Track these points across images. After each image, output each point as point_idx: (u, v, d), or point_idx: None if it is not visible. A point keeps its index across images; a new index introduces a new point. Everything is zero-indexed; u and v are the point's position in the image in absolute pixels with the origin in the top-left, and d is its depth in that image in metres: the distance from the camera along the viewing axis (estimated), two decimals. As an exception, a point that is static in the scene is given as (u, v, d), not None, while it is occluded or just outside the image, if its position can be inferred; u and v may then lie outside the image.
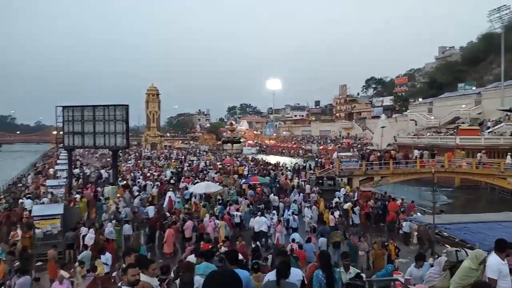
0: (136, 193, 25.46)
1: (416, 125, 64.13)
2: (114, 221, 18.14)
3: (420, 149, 38.41)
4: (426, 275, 6.86)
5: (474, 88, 64.15)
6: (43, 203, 22.21)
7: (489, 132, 40.56)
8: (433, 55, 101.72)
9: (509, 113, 44.14)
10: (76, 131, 27.73)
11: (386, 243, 14.38)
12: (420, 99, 76.97)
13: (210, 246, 12.37)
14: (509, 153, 32.11)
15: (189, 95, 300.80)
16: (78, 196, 24.61)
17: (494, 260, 5.37)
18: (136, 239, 16.83)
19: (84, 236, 15.64)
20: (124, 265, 6.18)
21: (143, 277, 5.44)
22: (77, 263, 11.57)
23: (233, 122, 43.54)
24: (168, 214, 19.62)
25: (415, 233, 16.99)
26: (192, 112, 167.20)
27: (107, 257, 12.48)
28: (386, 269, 9.37)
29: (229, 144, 36.70)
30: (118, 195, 24.53)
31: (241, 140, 41.43)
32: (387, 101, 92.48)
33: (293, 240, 13.64)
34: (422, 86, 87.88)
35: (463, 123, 51.51)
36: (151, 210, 20.50)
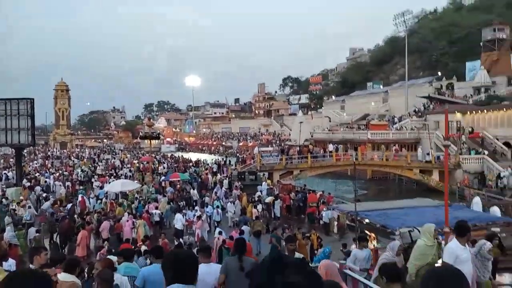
0: (40, 194, 23.42)
1: (330, 121, 67.06)
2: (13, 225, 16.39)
3: (335, 143, 40.14)
4: (379, 261, 6.53)
5: (381, 87, 68.77)
6: None
7: (400, 128, 43.44)
8: (344, 57, 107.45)
9: (412, 111, 47.95)
10: (-27, 127, 24.81)
11: (307, 234, 14.62)
12: (333, 97, 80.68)
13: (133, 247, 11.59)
14: (420, 146, 34.67)
15: (103, 92, 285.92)
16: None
17: (452, 245, 5.20)
18: (38, 243, 15.27)
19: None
20: (33, 266, 5.41)
21: (65, 276, 4.82)
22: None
23: (151, 118, 41.97)
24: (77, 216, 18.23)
25: (335, 223, 17.56)
26: (106, 109, 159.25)
27: (10, 263, 11.07)
28: (323, 252, 9.19)
29: (146, 141, 35.35)
30: (21, 197, 22.35)
31: (160, 136, 40.04)
32: (303, 99, 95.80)
33: (220, 233, 13.35)
34: (335, 85, 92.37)
35: (372, 119, 54.80)
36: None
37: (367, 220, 11.38)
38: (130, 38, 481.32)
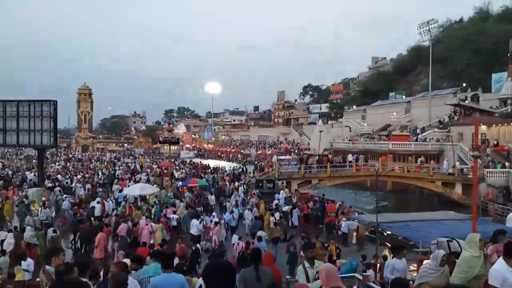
0: (58, 194, 23.69)
1: (350, 131, 66.39)
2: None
3: (355, 153, 39.60)
4: (421, 270, 6.06)
5: (404, 97, 67.71)
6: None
7: (423, 140, 42.63)
8: (366, 66, 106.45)
9: (436, 122, 47.04)
10: (-3, 127, 25.37)
11: (325, 244, 14.33)
12: (354, 107, 79.90)
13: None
14: (446, 159, 33.95)
15: (125, 97, 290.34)
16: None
17: (498, 266, 4.58)
18: (55, 243, 15.38)
19: (3, 241, 14.07)
20: (50, 267, 5.39)
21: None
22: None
23: (171, 124, 42.29)
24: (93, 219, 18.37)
25: (354, 234, 17.17)
26: (127, 114, 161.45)
27: (28, 263, 11.17)
28: (350, 264, 8.66)
29: (166, 146, 35.56)
30: (43, 198, 22.65)
31: (179, 141, 40.24)
32: (323, 108, 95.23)
33: (240, 239, 13.27)
34: (356, 94, 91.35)
35: (394, 130, 54.02)
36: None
37: (388, 232, 11.06)
38: (149, 43, 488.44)
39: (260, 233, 14.68)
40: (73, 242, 17.51)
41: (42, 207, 20.02)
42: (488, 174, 30.77)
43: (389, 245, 11.17)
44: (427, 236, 8.87)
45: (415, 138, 44.10)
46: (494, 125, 38.67)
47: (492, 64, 56.64)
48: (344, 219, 17.86)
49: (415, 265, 8.46)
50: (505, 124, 37.46)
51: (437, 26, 59.10)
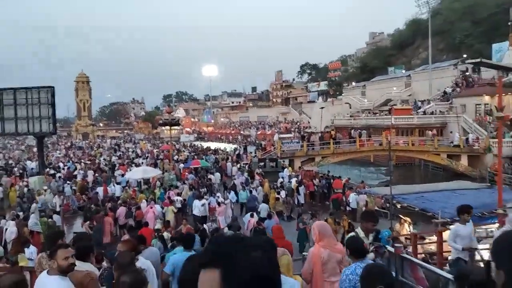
0: (59, 181, 23.42)
1: (350, 108, 65.83)
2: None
3: (358, 129, 39.20)
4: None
5: (403, 71, 66.91)
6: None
7: (430, 113, 42.12)
8: (364, 41, 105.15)
9: (441, 94, 46.57)
10: (-5, 116, 24.89)
11: (337, 220, 14.07)
12: (354, 83, 79.10)
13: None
14: (456, 131, 33.61)
15: (123, 84, 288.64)
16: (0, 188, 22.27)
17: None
18: (51, 229, 15.10)
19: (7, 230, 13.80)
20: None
21: (82, 265, 4.25)
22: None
23: (170, 106, 41.75)
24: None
25: (363, 209, 16.80)
26: (126, 101, 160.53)
27: (31, 250, 10.87)
28: (383, 234, 8.06)
29: (166, 130, 35.14)
30: (45, 186, 22.35)
31: (180, 123, 39.75)
32: (322, 86, 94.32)
33: (252, 216, 13.05)
34: (354, 71, 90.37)
35: (395, 104, 53.50)
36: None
37: (402, 204, 10.73)
38: (149, 30, 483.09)
39: (263, 207, 14.56)
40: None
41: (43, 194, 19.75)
42: (494, 145, 30.42)
43: (403, 218, 10.85)
44: (446, 207, 8.54)
45: (417, 111, 43.64)
46: (497, 95, 38.15)
47: (492, 35, 55.74)
48: (353, 194, 17.43)
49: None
50: (509, 94, 36.92)
51: (436, -3, 57.97)
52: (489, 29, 57.77)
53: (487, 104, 38.20)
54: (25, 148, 61.47)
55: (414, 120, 39.22)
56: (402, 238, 10.07)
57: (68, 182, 23.82)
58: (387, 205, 13.00)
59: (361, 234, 5.23)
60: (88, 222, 15.38)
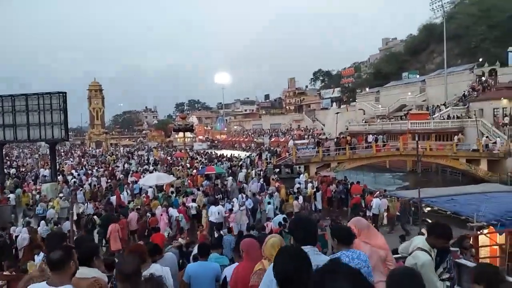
0: (72, 187, 23.26)
1: (364, 114, 65.00)
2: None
3: (374, 134, 38.49)
4: None
5: (418, 76, 66.02)
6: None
7: (447, 117, 41.26)
8: (377, 47, 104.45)
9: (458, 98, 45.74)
10: (7, 123, 24.82)
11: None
12: (367, 89, 78.33)
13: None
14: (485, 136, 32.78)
15: (136, 93, 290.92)
16: (11, 195, 22.12)
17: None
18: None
19: (17, 237, 13.49)
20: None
21: (83, 272, 3.74)
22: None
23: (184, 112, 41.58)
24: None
25: (385, 214, 16.18)
26: (138, 109, 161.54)
27: (41, 257, 10.49)
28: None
29: (179, 136, 34.89)
30: (61, 194, 22.07)
31: (193, 128, 39.36)
32: (335, 92, 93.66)
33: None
34: (368, 77, 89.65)
35: (411, 109, 52.70)
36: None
37: (432, 208, 10.12)
38: (152, 39, 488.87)
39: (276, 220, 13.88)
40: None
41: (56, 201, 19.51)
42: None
43: (430, 221, 10.23)
44: (480, 210, 7.94)
45: (433, 116, 42.81)
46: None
47: (508, 39, 54.72)
48: (377, 198, 16.60)
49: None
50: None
51: (448, 2, 57.06)
52: (505, 33, 56.79)
53: (505, 107, 37.29)
54: (39, 156, 61.85)
55: (431, 125, 38.38)
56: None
57: (81, 189, 23.59)
58: (412, 209, 12.40)
59: (426, 247, 3.97)
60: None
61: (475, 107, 40.76)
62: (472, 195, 9.63)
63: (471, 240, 7.51)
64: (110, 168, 34.57)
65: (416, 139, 28.54)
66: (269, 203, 18.42)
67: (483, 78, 50.36)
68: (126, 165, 37.43)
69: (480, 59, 56.21)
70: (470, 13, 66.23)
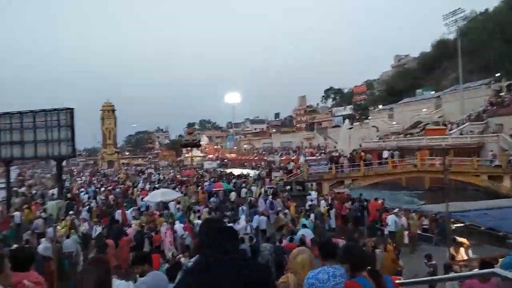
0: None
1: (377, 131, 63.72)
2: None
3: (389, 150, 37.36)
4: None
5: (433, 92, 64.96)
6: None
7: (466, 132, 40.08)
8: (389, 64, 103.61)
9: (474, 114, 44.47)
10: (15, 140, 24.39)
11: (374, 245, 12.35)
12: (380, 106, 77.25)
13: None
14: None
15: (148, 115, 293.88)
16: (17, 213, 21.57)
17: None
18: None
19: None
20: None
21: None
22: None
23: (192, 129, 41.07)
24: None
25: (406, 232, 14.88)
26: (151, 130, 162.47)
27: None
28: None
29: (189, 155, 34.20)
30: (71, 211, 21.37)
31: (200, 144, 38.71)
32: (347, 110, 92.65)
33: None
34: (380, 94, 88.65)
35: (428, 124, 51.54)
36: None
37: (463, 223, 9.08)
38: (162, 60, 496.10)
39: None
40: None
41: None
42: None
43: (459, 239, 9.18)
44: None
45: (452, 131, 41.58)
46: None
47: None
48: (393, 215, 15.40)
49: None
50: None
51: (463, 15, 56.32)
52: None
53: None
54: (51, 176, 61.78)
55: (448, 140, 37.15)
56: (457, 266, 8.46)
57: (88, 206, 22.91)
58: (437, 226, 11.30)
59: None
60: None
61: (494, 122, 39.52)
62: (506, 209, 8.61)
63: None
64: (126, 186, 34.18)
65: (443, 153, 27.24)
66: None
67: (501, 94, 49.15)
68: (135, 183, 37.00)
69: (497, 74, 55.05)
70: (484, 28, 65.38)
